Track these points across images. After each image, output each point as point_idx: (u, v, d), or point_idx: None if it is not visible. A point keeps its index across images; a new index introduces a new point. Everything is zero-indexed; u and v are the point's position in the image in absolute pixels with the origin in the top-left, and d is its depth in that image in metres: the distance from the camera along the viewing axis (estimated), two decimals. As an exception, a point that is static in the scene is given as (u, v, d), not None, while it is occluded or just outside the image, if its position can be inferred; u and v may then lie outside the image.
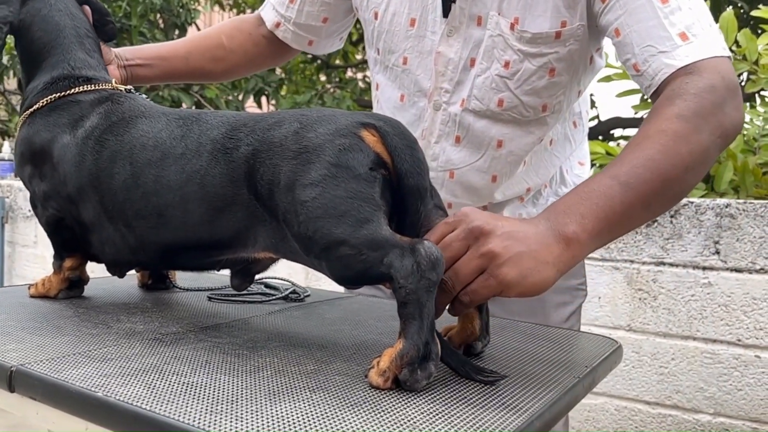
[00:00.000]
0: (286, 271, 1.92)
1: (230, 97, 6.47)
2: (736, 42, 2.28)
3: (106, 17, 1.03)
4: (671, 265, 1.92)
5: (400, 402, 0.57)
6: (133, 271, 1.08)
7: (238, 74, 1.24)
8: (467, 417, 0.54)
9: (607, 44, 0.99)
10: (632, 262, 1.94)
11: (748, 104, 5.06)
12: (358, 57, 9.22)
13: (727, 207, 1.87)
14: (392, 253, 0.61)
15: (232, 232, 0.74)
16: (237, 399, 0.56)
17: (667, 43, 0.78)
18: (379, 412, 0.54)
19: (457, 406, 0.56)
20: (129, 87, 0.96)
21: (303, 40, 1.20)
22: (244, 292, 1.05)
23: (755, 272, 1.83)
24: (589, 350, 0.81)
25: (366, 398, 0.57)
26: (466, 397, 0.59)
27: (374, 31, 1.05)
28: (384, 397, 0.58)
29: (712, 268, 1.88)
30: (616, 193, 0.68)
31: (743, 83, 3.00)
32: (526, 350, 0.79)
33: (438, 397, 0.59)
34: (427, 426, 0.51)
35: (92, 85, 0.92)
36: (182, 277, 1.14)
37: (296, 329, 0.83)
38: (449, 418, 0.53)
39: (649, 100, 0.85)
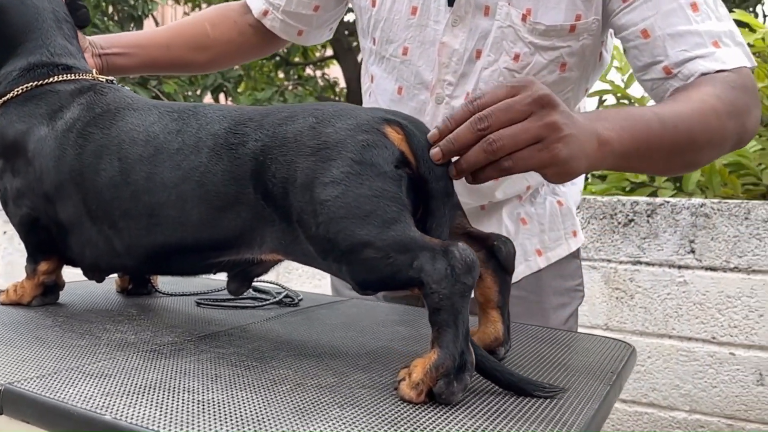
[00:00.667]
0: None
1: (188, 93, 6.31)
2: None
3: (78, 1, 0.96)
4: (648, 264, 1.94)
5: (438, 417, 0.53)
6: (112, 275, 1.01)
7: (222, 64, 1.18)
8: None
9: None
10: (609, 261, 1.95)
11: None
12: (318, 54, 9.13)
13: (701, 207, 1.89)
14: (422, 255, 0.56)
15: (235, 232, 0.69)
16: (263, 418, 0.51)
17: (702, 49, 0.79)
18: (420, 430, 0.50)
19: (500, 421, 0.53)
20: (111, 78, 0.89)
21: (292, 30, 1.14)
22: (233, 297, 1.00)
23: (729, 271, 1.86)
24: (607, 354, 0.78)
25: (401, 414, 0.53)
26: (504, 411, 0.55)
27: (371, 20, 1.00)
28: (420, 413, 0.53)
29: (687, 267, 1.90)
30: (654, 126, 0.70)
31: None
32: (545, 355, 0.76)
33: (476, 411, 0.55)
34: (476, 444, 0.48)
35: (72, 75, 0.85)
36: (163, 282, 1.07)
37: (300, 337, 0.78)
38: (496, 434, 0.50)
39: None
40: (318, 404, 0.54)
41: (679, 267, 1.91)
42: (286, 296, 1.00)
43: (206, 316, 0.88)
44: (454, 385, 0.55)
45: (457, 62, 0.93)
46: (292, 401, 0.55)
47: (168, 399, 0.54)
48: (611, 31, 0.95)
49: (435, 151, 0.62)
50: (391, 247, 0.58)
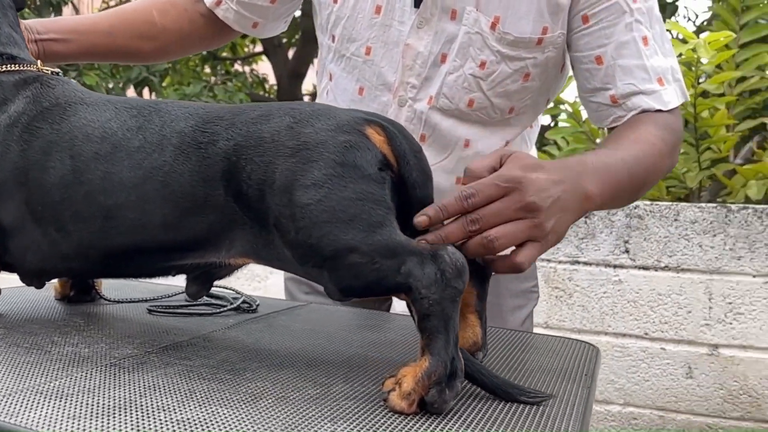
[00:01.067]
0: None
1: (110, 85, 6.01)
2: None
3: None
4: (585, 263, 2.01)
5: (435, 428, 0.51)
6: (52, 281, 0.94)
7: (169, 55, 1.11)
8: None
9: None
10: (549, 261, 2.00)
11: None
12: (247, 50, 8.93)
13: (635, 208, 1.98)
14: (410, 260, 0.55)
15: (202, 235, 0.65)
16: (254, 438, 0.47)
17: (648, 85, 0.85)
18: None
19: (495, 430, 0.52)
20: (56, 69, 0.82)
21: (247, 22, 1.09)
22: (187, 303, 0.95)
23: (660, 269, 1.96)
24: (576, 356, 0.79)
25: (395, 427, 0.51)
26: (496, 419, 0.54)
27: (331, 16, 0.97)
28: (414, 424, 0.52)
29: (622, 266, 1.98)
30: (623, 175, 0.76)
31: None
32: (517, 358, 0.76)
33: (469, 420, 0.54)
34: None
35: (17, 65, 0.77)
36: (107, 287, 1.00)
37: (268, 345, 0.75)
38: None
39: (608, 126, 0.90)
40: (306, 419, 0.52)
41: (615, 266, 1.99)
42: (244, 302, 0.96)
43: (161, 324, 0.83)
44: (446, 393, 0.54)
45: (421, 65, 0.92)
46: (278, 417, 0.52)
47: (143, 419, 0.50)
48: None
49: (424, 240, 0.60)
50: (378, 251, 0.56)
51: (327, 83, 1.03)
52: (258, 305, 0.97)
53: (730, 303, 1.90)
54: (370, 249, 0.56)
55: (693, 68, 2.22)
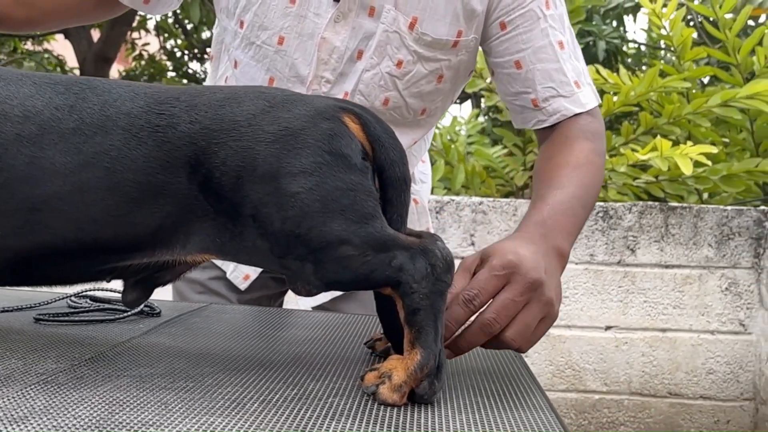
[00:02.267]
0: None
1: None
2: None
3: None
4: (437, 256, 2.14)
5: (440, 417, 0.52)
6: None
7: (44, 25, 0.97)
8: (512, 419, 0.53)
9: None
10: (404, 254, 2.10)
11: (460, 105, 5.79)
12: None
13: (480, 204, 2.14)
14: (401, 254, 0.55)
15: (152, 230, 0.59)
16: (274, 443, 0.45)
17: (567, 88, 0.89)
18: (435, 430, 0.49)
19: (491, 414, 0.54)
20: None
21: None
22: (75, 310, 0.84)
23: (502, 260, 2.16)
24: (501, 354, 0.85)
25: (401, 418, 0.51)
26: (481, 402, 0.57)
27: (240, 1, 0.93)
28: (416, 414, 0.53)
29: (469, 258, 2.15)
30: (579, 212, 0.78)
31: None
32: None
33: (460, 406, 0.56)
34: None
35: None
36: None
37: (206, 349, 0.70)
38: (498, 424, 0.51)
39: (532, 129, 0.94)
40: (307, 419, 0.50)
41: (462, 258, 2.14)
42: (146, 305, 0.88)
43: (63, 334, 0.73)
44: (436, 385, 0.55)
45: (337, 60, 0.91)
46: (279, 419, 0.49)
47: (135, 438, 0.44)
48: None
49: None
50: (369, 244, 0.55)
51: (229, 70, 0.98)
52: (159, 309, 0.90)
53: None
54: (361, 241, 0.55)
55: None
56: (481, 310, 0.63)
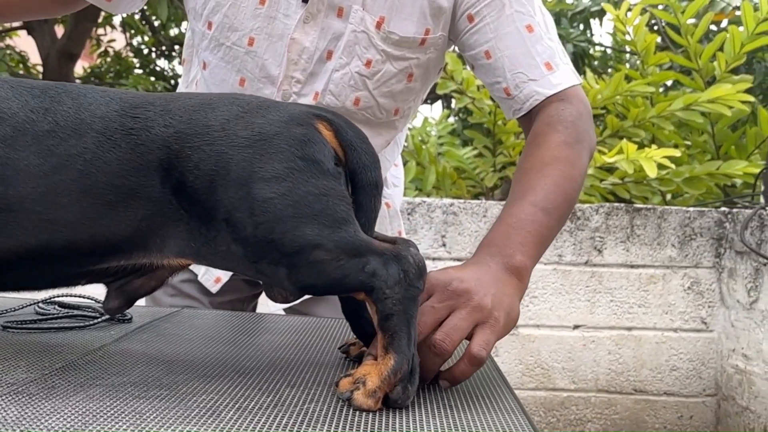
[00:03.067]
0: None
1: None
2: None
3: None
4: (408, 257, 2.15)
5: (413, 422, 0.53)
6: None
7: (4, 18, 0.95)
8: (483, 422, 0.54)
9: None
10: (376, 256, 2.11)
11: (431, 106, 5.81)
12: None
13: (451, 206, 2.16)
14: (374, 260, 0.56)
15: (127, 233, 0.59)
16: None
17: (536, 72, 0.86)
18: (406, 436, 0.50)
19: (463, 416, 0.56)
20: None
21: None
22: (43, 317, 0.83)
23: (472, 261, 2.18)
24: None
25: (378, 424, 0.52)
26: (453, 405, 0.58)
27: (209, 2, 0.92)
28: (392, 419, 0.53)
29: (440, 259, 2.16)
30: (541, 219, 0.73)
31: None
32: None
33: (433, 409, 0.57)
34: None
35: None
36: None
37: (178, 356, 0.70)
38: (471, 427, 0.53)
39: (514, 119, 0.93)
40: (284, 426, 0.50)
41: (434, 259, 2.16)
42: (116, 311, 0.87)
43: (32, 342, 0.72)
44: (409, 389, 0.56)
45: (306, 60, 0.92)
46: (257, 427, 0.49)
47: (110, 449, 0.44)
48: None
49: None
50: (342, 249, 0.56)
51: (200, 72, 0.97)
52: (131, 315, 0.89)
53: (527, 288, 2.19)
54: (335, 246, 0.55)
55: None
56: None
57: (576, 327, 2.20)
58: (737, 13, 2.59)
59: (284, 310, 1.11)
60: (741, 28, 2.50)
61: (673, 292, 2.19)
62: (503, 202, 2.18)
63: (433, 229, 2.16)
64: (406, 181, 2.73)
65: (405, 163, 2.92)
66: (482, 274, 0.66)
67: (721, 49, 2.56)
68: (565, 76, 0.88)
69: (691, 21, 2.76)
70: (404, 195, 2.75)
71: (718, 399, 2.21)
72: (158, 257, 0.59)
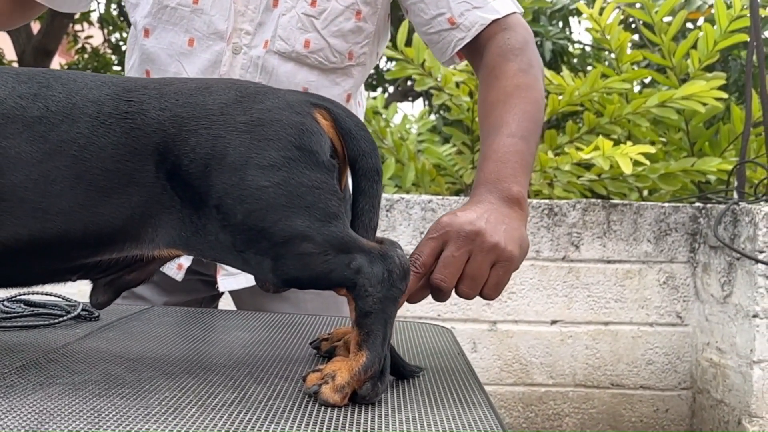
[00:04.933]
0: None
1: None
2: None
3: None
4: (387, 254, 2.15)
5: (379, 417, 0.53)
6: None
7: None
8: (450, 417, 0.54)
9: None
10: (354, 253, 2.10)
11: (413, 104, 5.77)
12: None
13: (429, 202, 2.16)
14: (360, 257, 0.55)
15: (122, 222, 0.57)
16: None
17: (480, 1, 0.88)
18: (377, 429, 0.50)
19: (430, 410, 0.55)
20: None
21: None
22: (7, 315, 0.81)
23: (451, 257, 2.18)
24: (439, 338, 0.87)
25: (342, 419, 0.52)
26: (422, 401, 0.58)
27: None
28: (358, 415, 0.53)
29: (418, 256, 2.17)
30: (522, 148, 0.76)
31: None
32: (397, 344, 0.80)
33: (400, 405, 0.56)
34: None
35: None
36: None
37: (144, 354, 0.68)
38: (437, 422, 0.52)
39: (454, 56, 0.93)
40: (246, 423, 0.49)
41: (412, 256, 2.16)
42: (83, 309, 0.85)
43: (-6, 341, 0.70)
44: (379, 387, 0.55)
45: (254, 11, 0.91)
46: (216, 424, 0.49)
47: (65, 448, 0.43)
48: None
49: None
50: (331, 243, 0.55)
51: (141, 41, 0.95)
52: (98, 312, 0.87)
53: (505, 284, 2.20)
54: (323, 240, 0.55)
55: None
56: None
57: (554, 322, 2.21)
58: (713, 11, 2.62)
59: (229, 291, 1.05)
60: (715, 26, 2.53)
61: (648, 286, 2.21)
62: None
63: (412, 225, 2.16)
64: (385, 178, 2.72)
65: (384, 161, 2.92)
66: (488, 211, 0.68)
67: (694, 46, 2.59)
68: (505, 3, 0.90)
69: (668, 19, 2.80)
70: (383, 192, 2.75)
71: (693, 392, 2.24)
72: (150, 248, 0.58)
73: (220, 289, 1.01)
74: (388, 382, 0.57)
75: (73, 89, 0.59)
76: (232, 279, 1.02)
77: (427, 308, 2.17)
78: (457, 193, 2.77)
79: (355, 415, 0.53)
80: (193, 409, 0.52)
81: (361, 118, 1.07)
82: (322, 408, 0.54)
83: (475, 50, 0.89)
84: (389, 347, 0.57)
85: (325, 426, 0.50)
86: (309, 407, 0.54)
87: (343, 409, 0.54)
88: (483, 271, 0.66)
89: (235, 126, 0.57)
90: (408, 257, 0.62)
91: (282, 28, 0.90)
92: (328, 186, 0.57)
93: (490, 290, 0.67)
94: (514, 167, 0.74)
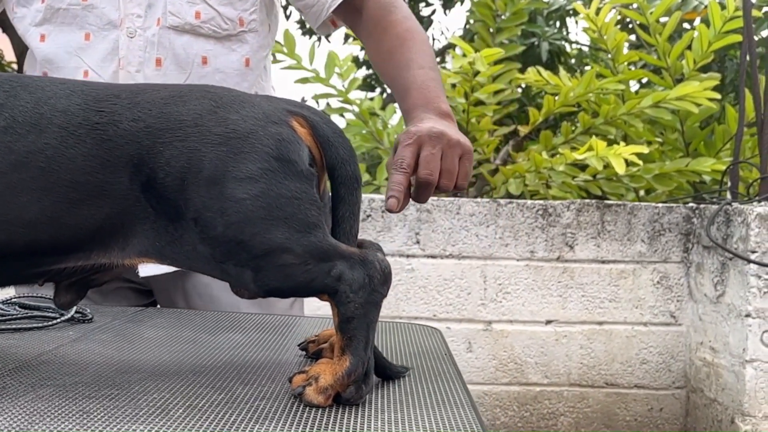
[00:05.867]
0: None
1: None
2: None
3: None
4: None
5: (362, 417, 0.54)
6: None
7: None
8: (431, 417, 0.55)
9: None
10: (350, 253, 2.11)
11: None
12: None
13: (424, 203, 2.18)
14: (341, 263, 0.56)
15: (90, 232, 0.58)
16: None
17: None
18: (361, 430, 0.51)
19: (412, 410, 0.57)
20: None
21: None
22: (1, 317, 0.83)
23: (446, 257, 2.19)
24: (427, 338, 0.88)
25: (326, 420, 0.53)
26: (405, 401, 0.59)
27: None
28: (342, 416, 0.54)
29: (413, 256, 2.17)
30: (433, 75, 0.89)
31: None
32: (379, 344, 0.82)
33: (384, 405, 0.58)
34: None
35: None
36: None
37: (135, 356, 0.70)
38: (418, 422, 0.54)
39: (330, 17, 1.01)
40: (231, 424, 0.51)
41: (407, 256, 2.17)
42: (77, 312, 0.87)
43: (-12, 344, 0.72)
44: (363, 390, 0.57)
45: None
46: (202, 425, 0.50)
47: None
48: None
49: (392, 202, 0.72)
50: (310, 253, 0.56)
51: (38, 46, 0.97)
52: (92, 315, 0.89)
53: (500, 284, 2.21)
54: (303, 250, 0.55)
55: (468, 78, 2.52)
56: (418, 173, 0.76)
57: (548, 322, 2.23)
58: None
59: (143, 277, 1.02)
60: (709, 27, 2.54)
61: (642, 286, 2.22)
62: (478, 200, 2.20)
63: (407, 226, 2.17)
64: (381, 179, 2.73)
65: (380, 162, 2.93)
66: (436, 121, 0.80)
67: (689, 47, 2.60)
68: None
69: (665, 20, 2.81)
70: (379, 192, 2.76)
71: (687, 391, 2.25)
72: (119, 257, 0.59)
73: (141, 274, 0.99)
74: (372, 384, 0.58)
75: (41, 98, 0.58)
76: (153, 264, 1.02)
77: (422, 308, 2.18)
78: (456, 195, 2.78)
79: (338, 416, 0.54)
80: (180, 410, 0.53)
81: (270, 83, 1.11)
82: (307, 409, 0.55)
83: (354, 9, 0.99)
84: (372, 350, 0.58)
85: (308, 426, 0.51)
86: (294, 408, 0.55)
87: (326, 410, 0.55)
88: (455, 164, 0.77)
89: (211, 138, 0.57)
90: (388, 200, 0.69)
91: (171, 3, 0.95)
92: (307, 195, 0.57)
93: (462, 180, 0.78)
94: (435, 91, 0.86)
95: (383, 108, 3.67)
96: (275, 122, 0.59)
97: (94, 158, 0.57)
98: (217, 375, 0.64)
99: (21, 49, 6.95)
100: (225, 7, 0.96)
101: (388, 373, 0.64)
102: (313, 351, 0.73)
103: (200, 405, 0.55)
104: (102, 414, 0.51)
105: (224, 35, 0.97)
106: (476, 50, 2.58)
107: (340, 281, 0.56)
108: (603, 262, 2.22)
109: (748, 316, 1.94)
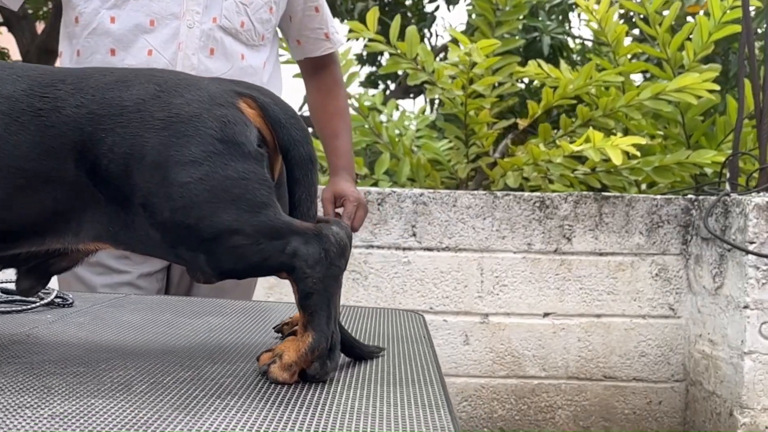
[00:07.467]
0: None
1: None
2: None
3: None
4: (378, 247, 2.15)
5: (325, 394, 0.54)
6: None
7: None
8: (398, 394, 0.54)
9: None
10: (346, 246, 2.11)
11: (414, 101, 5.81)
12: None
13: (421, 196, 2.17)
14: (295, 240, 0.56)
15: (42, 218, 0.58)
16: (150, 421, 0.45)
17: (333, 29, 1.33)
18: (315, 408, 0.51)
19: (388, 389, 0.56)
20: None
21: None
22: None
23: (442, 250, 2.18)
24: (409, 323, 0.87)
25: (290, 395, 0.53)
26: (377, 379, 0.59)
27: None
28: (305, 392, 0.54)
29: (410, 248, 2.17)
30: (350, 147, 1.35)
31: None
32: (363, 328, 0.81)
33: (351, 383, 0.57)
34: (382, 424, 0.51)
35: None
36: None
37: (109, 337, 0.70)
38: (383, 398, 0.53)
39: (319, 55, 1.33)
40: (193, 398, 0.51)
41: (404, 249, 2.16)
42: (57, 296, 0.87)
43: (-36, 325, 0.72)
44: (328, 365, 0.56)
45: None
46: (163, 400, 0.50)
47: (7, 418, 0.44)
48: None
49: None
50: (262, 233, 0.56)
51: (107, 26, 1.12)
52: (73, 299, 0.89)
53: (497, 277, 2.21)
54: (254, 230, 0.55)
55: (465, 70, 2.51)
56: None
57: (546, 315, 2.21)
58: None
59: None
60: (710, 18, 2.52)
61: (641, 279, 2.21)
62: (474, 193, 2.19)
63: (404, 219, 2.17)
64: (379, 173, 2.72)
65: (379, 155, 2.93)
66: (353, 185, 1.28)
67: (689, 39, 2.58)
68: (341, 39, 1.37)
69: (666, 12, 2.78)
70: (377, 186, 2.75)
71: (686, 384, 2.23)
72: (73, 241, 0.59)
73: None
74: (338, 359, 0.58)
75: None
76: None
77: (419, 301, 2.18)
78: (448, 188, 2.77)
79: (303, 391, 0.54)
80: (143, 386, 0.53)
81: (280, 82, 1.35)
82: (272, 386, 0.55)
83: (323, 65, 1.34)
84: (337, 324, 0.57)
85: (270, 401, 0.51)
86: (259, 385, 0.55)
87: (291, 386, 0.55)
88: (364, 217, 1.24)
89: (153, 123, 0.56)
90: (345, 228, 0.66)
91: (226, 10, 1.18)
92: (257, 176, 0.57)
93: (358, 223, 1.23)
94: (350, 160, 1.33)
95: (384, 103, 3.67)
96: (221, 104, 0.58)
97: (39, 145, 0.56)
98: (188, 355, 0.64)
99: (26, 47, 6.97)
100: (259, 24, 1.22)
101: (358, 352, 0.64)
102: (287, 333, 0.72)
103: (165, 381, 0.54)
104: (64, 389, 0.51)
105: (251, 44, 1.22)
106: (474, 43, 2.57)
107: (296, 257, 0.55)
108: (601, 254, 2.20)
109: (746, 307, 1.92)
